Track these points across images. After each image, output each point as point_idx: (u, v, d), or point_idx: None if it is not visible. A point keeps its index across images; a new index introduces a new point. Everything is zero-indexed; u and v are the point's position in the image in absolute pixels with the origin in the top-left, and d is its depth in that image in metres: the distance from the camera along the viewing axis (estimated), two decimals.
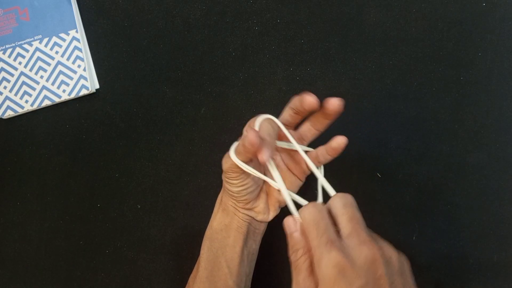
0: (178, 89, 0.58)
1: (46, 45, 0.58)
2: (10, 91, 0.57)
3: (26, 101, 0.57)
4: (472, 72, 0.57)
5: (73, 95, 0.57)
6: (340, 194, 0.38)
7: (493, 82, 0.57)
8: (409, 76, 0.57)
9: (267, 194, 0.47)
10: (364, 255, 0.32)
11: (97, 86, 0.58)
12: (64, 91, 0.57)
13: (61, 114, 0.58)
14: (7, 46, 0.58)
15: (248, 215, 0.45)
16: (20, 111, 0.57)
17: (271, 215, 0.46)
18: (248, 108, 0.57)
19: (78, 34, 0.58)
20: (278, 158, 0.47)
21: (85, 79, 0.57)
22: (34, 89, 0.57)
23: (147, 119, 0.57)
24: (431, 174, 0.55)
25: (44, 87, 0.57)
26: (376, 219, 0.54)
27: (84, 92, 0.57)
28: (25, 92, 0.57)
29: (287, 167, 0.47)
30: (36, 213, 0.56)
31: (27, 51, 0.58)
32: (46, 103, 0.57)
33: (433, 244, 0.54)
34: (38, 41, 0.58)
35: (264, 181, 0.44)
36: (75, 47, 0.58)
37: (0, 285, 0.55)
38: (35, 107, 0.57)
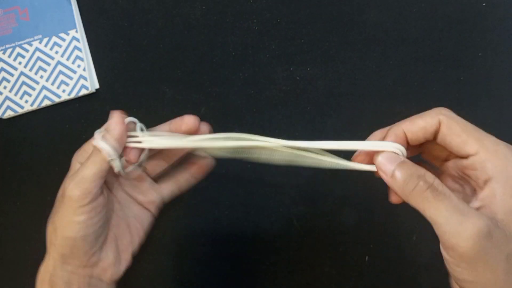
0: (178, 89, 0.58)
1: (46, 45, 0.58)
2: (10, 91, 0.57)
3: (26, 101, 0.57)
4: (472, 72, 0.57)
5: (73, 95, 0.57)
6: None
7: (493, 82, 0.57)
8: (409, 76, 0.57)
9: (116, 236, 0.35)
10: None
11: (97, 86, 0.58)
12: (64, 91, 0.57)
13: (61, 114, 0.58)
14: (7, 46, 0.58)
15: (89, 276, 0.32)
16: (20, 111, 0.57)
17: (123, 266, 0.35)
18: (248, 108, 0.57)
19: (78, 34, 0.58)
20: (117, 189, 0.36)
21: (85, 79, 0.57)
22: (34, 89, 0.57)
23: (147, 119, 0.57)
24: None
25: (44, 87, 0.57)
26: (376, 219, 0.54)
27: (84, 92, 0.57)
28: (25, 92, 0.57)
29: (132, 197, 0.37)
30: (35, 213, 0.56)
31: (27, 51, 0.58)
32: (46, 103, 0.57)
33: (433, 244, 0.54)
34: (38, 41, 0.58)
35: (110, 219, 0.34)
36: (75, 47, 0.58)
37: (0, 285, 0.55)
38: (35, 107, 0.57)
